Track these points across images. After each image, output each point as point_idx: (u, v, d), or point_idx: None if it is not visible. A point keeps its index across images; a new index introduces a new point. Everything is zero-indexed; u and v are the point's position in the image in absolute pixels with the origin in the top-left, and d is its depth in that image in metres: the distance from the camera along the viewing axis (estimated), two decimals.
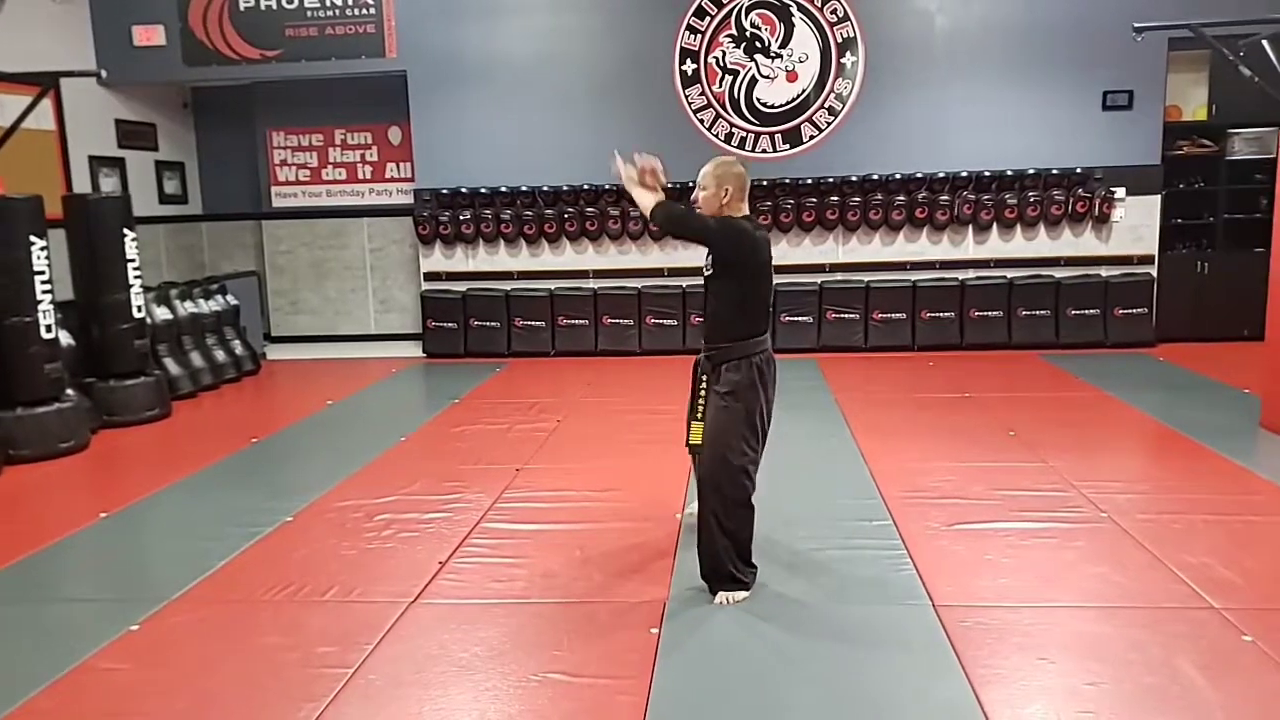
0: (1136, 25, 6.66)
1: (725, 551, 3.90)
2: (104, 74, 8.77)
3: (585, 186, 9.84)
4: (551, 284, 10.09)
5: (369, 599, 4.04)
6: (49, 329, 6.65)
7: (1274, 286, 6.30)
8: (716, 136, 9.77)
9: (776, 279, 9.98)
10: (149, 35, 10.05)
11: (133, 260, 7.51)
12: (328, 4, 9.90)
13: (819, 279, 9.79)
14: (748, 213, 3.99)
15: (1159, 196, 9.47)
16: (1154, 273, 9.55)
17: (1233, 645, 3.44)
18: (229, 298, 9.26)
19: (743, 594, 3.90)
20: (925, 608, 3.80)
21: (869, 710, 3.12)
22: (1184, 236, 9.79)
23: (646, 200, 4.02)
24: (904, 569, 4.19)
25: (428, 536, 4.74)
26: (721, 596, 3.88)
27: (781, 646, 3.55)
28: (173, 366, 8.18)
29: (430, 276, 10.33)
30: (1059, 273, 9.60)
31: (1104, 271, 9.58)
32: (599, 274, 10.08)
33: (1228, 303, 9.40)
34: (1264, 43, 6.65)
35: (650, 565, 4.29)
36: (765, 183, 9.62)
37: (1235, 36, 7.09)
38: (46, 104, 8.40)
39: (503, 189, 9.99)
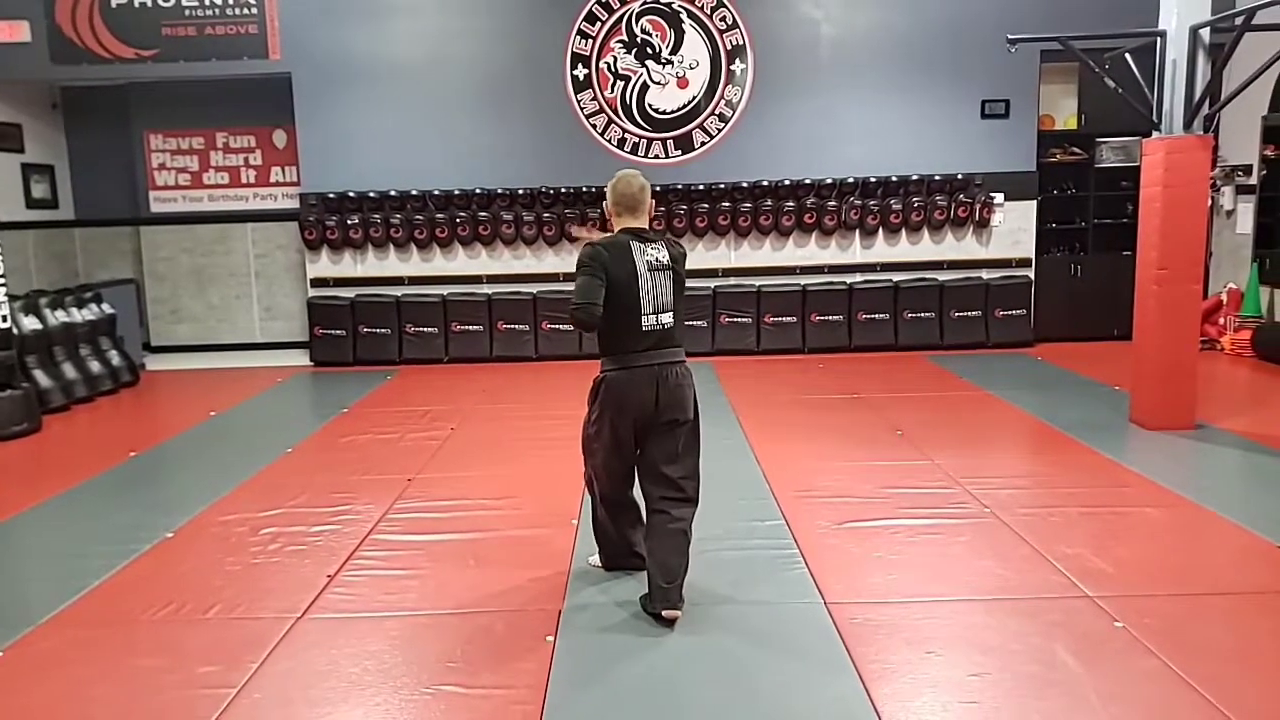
0: (1010, 37, 6.91)
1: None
2: None
3: (478, 190, 9.74)
4: (444, 289, 9.95)
5: (254, 615, 3.91)
6: None
7: (1140, 289, 6.61)
8: (609, 142, 9.79)
9: None
10: (12, 31, 9.55)
11: None
12: (207, 3, 9.58)
13: (712, 283, 9.89)
14: (631, 225, 3.87)
15: (1035, 202, 9.86)
16: (1031, 275, 9.94)
17: (1105, 631, 3.59)
18: (104, 306, 8.87)
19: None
20: (817, 605, 3.87)
21: (764, 710, 3.14)
22: (1058, 240, 10.22)
23: None
24: (796, 568, 4.25)
25: (315, 550, 4.61)
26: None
27: (677, 649, 3.56)
28: (43, 379, 7.79)
29: (317, 283, 10.08)
30: (942, 276, 9.91)
31: (985, 274, 9.93)
32: (493, 279, 9.99)
33: (1099, 304, 9.85)
34: (1127, 56, 6.98)
35: (546, 573, 4.26)
36: (658, 188, 9.67)
37: (1101, 50, 7.44)
38: None
39: (392, 193, 9.83)
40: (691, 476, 3.91)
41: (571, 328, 9.62)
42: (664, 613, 3.73)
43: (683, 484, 3.87)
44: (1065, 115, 10.11)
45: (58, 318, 8.23)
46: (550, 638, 3.64)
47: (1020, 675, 3.30)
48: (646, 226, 3.92)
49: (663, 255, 3.83)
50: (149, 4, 9.59)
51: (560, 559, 4.40)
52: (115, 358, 8.77)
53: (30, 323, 7.90)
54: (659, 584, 3.76)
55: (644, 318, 3.77)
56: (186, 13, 9.60)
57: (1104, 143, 9.96)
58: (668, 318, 3.83)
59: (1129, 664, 3.35)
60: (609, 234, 3.92)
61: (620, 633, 3.70)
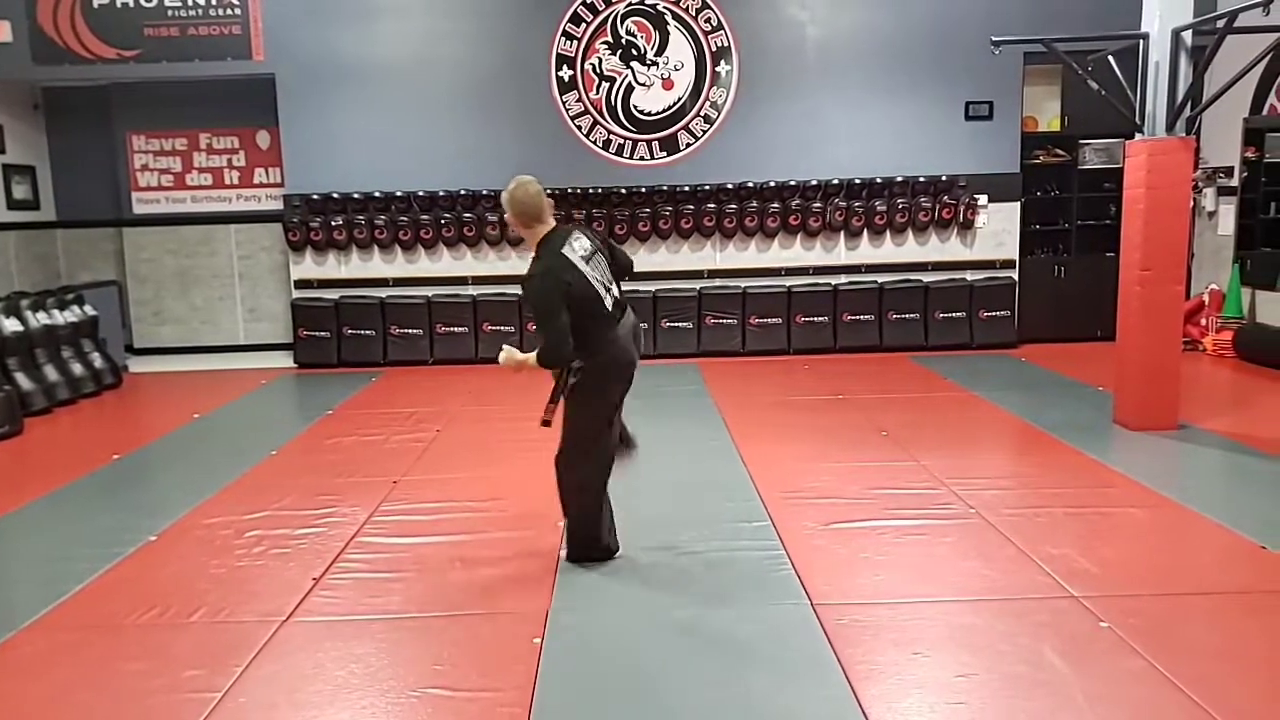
0: (994, 39, 6.94)
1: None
2: None
3: (462, 192, 9.71)
4: (429, 291, 9.92)
5: (239, 619, 3.89)
6: None
7: (1123, 289, 6.65)
8: (594, 143, 9.78)
9: (658, 285, 10.06)
10: None
11: None
12: (190, 3, 9.53)
13: (698, 285, 9.90)
14: (543, 230, 4.11)
15: (1019, 204, 9.90)
16: (1015, 276, 9.98)
17: (1091, 631, 3.61)
18: (86, 308, 8.80)
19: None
20: (804, 606, 3.87)
21: (751, 711, 3.14)
22: (1041, 242, 10.27)
23: (530, 359, 4.04)
24: (783, 569, 4.25)
25: (300, 552, 4.59)
26: None
27: (664, 651, 3.55)
28: (24, 381, 7.72)
29: (301, 284, 10.04)
30: (927, 277, 9.94)
31: (969, 276, 9.96)
32: (478, 280, 9.96)
33: (1082, 305, 9.90)
34: (1110, 58, 7.02)
35: (532, 575, 4.25)
36: (644, 190, 9.69)
37: (1084, 52, 7.48)
38: None
39: (377, 194, 9.79)
40: None
41: None
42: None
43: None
44: (1049, 117, 10.16)
45: (39, 320, 8.17)
46: (537, 639, 3.64)
47: (1007, 676, 3.31)
48: (553, 224, 4.17)
49: (587, 243, 4.14)
50: (131, 4, 9.53)
51: (547, 561, 4.39)
52: (98, 360, 8.70)
53: (11, 324, 7.84)
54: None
55: (605, 301, 4.08)
56: (169, 13, 9.54)
57: (1087, 144, 10.01)
58: (615, 289, 4.21)
59: (1115, 664, 3.36)
60: (545, 263, 4.03)
61: (607, 634, 3.70)
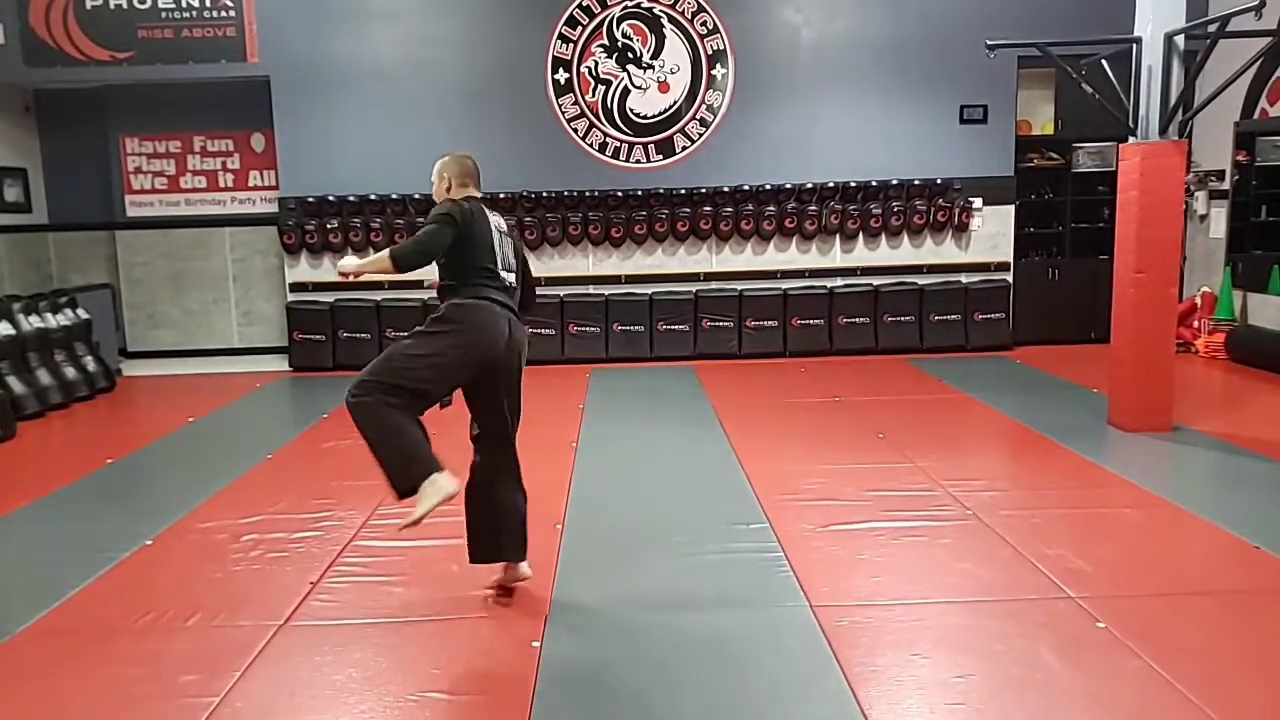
0: (989, 42, 6.95)
1: None
2: None
3: None
4: (424, 294, 9.90)
5: (235, 623, 3.88)
6: None
7: (1118, 291, 6.67)
8: (590, 146, 9.79)
9: (654, 288, 10.03)
10: None
11: None
12: (183, 5, 9.51)
13: (694, 288, 9.90)
14: (474, 194, 4.04)
15: (1013, 206, 9.93)
16: (1010, 279, 10.01)
17: (1088, 632, 3.62)
18: (80, 311, 8.77)
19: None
20: (803, 608, 3.87)
21: (751, 714, 3.14)
22: (1036, 245, 10.29)
23: (379, 261, 3.74)
24: (781, 571, 4.25)
25: (297, 556, 4.58)
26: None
27: (663, 654, 3.55)
28: (16, 385, 7.69)
29: (296, 287, 10.02)
30: (922, 280, 9.96)
31: (964, 278, 9.99)
32: None
33: (1076, 307, 9.94)
34: (1103, 62, 7.05)
35: (530, 579, 4.24)
36: (640, 193, 9.70)
37: (1078, 56, 7.51)
38: None
39: (372, 196, 9.78)
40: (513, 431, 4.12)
41: (553, 331, 9.71)
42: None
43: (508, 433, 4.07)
44: (1042, 121, 10.19)
45: (32, 323, 8.13)
46: (536, 643, 3.63)
47: (1005, 676, 3.32)
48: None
49: (503, 224, 4.02)
50: (124, 6, 9.51)
51: (545, 563, 4.38)
52: (91, 364, 8.66)
53: (4, 328, 7.80)
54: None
55: (496, 262, 3.88)
56: (163, 15, 9.53)
57: (1081, 148, 10.05)
58: (512, 278, 3.97)
59: (1112, 664, 3.37)
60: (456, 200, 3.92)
61: (606, 637, 3.70)
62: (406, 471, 3.59)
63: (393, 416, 3.60)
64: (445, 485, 3.58)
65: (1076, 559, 4.29)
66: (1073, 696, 3.18)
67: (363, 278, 3.96)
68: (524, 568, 4.09)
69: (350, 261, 3.85)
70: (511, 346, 3.88)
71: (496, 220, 3.98)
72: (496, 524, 4.02)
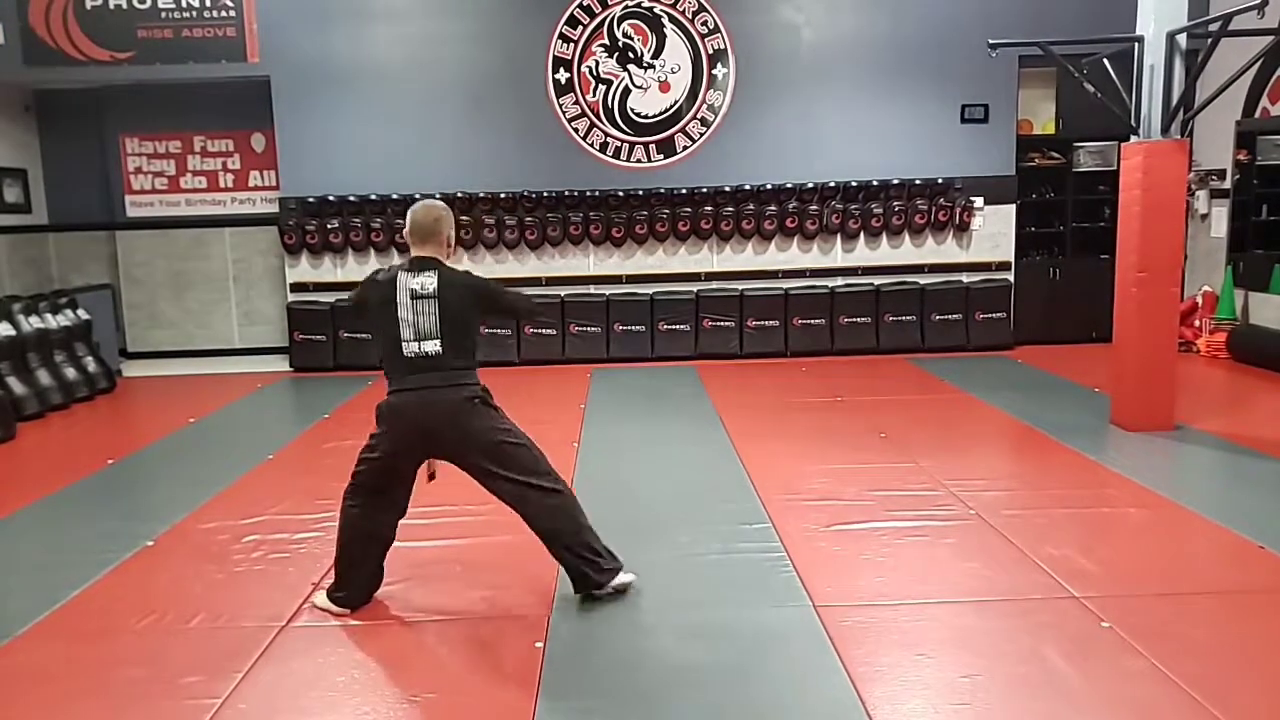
0: (991, 42, 6.94)
1: None
2: None
3: (459, 194, 9.68)
4: None
5: (238, 624, 3.87)
6: None
7: (1120, 291, 6.66)
8: (591, 146, 9.78)
9: (655, 288, 10.01)
10: None
11: None
12: (184, 5, 9.50)
13: (695, 287, 9.89)
14: (420, 254, 3.91)
15: (1014, 206, 9.92)
16: (1011, 278, 10.00)
17: (1092, 631, 3.61)
18: (80, 312, 8.76)
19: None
20: (806, 608, 3.86)
21: (754, 715, 3.13)
22: (1036, 244, 10.28)
23: None
24: (784, 570, 4.24)
25: (299, 557, 4.57)
26: None
27: (666, 654, 3.55)
28: (17, 386, 7.68)
29: (297, 287, 10.01)
30: (923, 280, 9.95)
31: (965, 278, 9.98)
32: None
33: (1077, 307, 9.93)
34: (1105, 61, 7.04)
35: (533, 578, 4.23)
36: (641, 193, 9.70)
37: (1079, 55, 7.50)
38: None
39: (372, 196, 9.77)
40: (530, 476, 3.98)
41: (554, 331, 9.71)
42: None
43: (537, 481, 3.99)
44: (1044, 120, 10.18)
45: (32, 324, 8.12)
46: (539, 644, 3.62)
47: (1011, 676, 3.31)
48: (437, 256, 3.92)
49: (429, 284, 3.78)
50: (124, 5, 9.50)
51: (547, 565, 4.36)
52: (91, 364, 8.65)
53: (4, 329, 7.79)
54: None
55: (404, 344, 3.78)
56: (163, 15, 9.51)
57: (1082, 147, 10.04)
58: (431, 345, 3.79)
59: (1117, 664, 3.36)
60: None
61: (609, 638, 3.69)
62: (339, 579, 4.00)
63: (346, 526, 4.03)
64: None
65: (1080, 558, 4.28)
66: (1078, 696, 3.17)
67: None
68: (625, 576, 4.06)
69: None
70: (434, 419, 3.83)
71: (418, 283, 3.78)
72: (572, 557, 3.99)
